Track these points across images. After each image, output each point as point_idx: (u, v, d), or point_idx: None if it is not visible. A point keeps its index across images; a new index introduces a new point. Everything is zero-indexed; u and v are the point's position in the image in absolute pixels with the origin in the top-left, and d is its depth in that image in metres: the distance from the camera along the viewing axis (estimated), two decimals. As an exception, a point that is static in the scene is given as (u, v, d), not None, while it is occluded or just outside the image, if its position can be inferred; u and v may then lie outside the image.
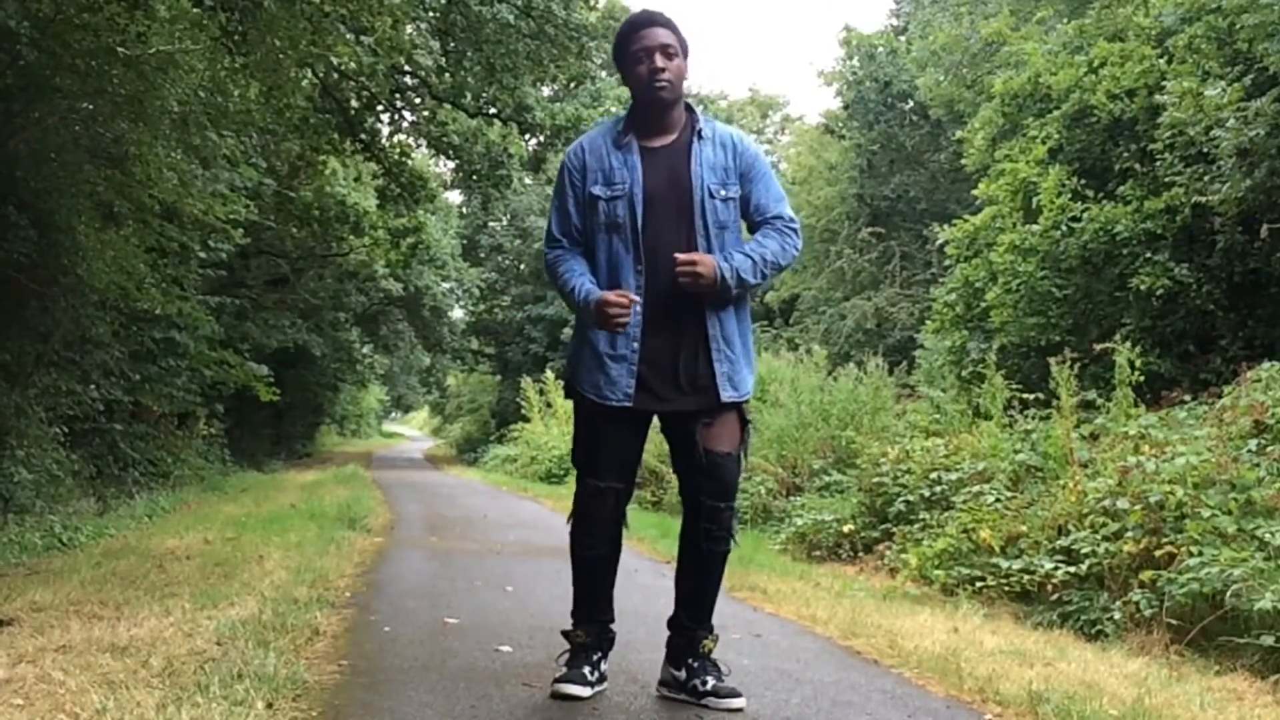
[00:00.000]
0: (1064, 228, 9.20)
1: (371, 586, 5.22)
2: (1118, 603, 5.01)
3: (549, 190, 3.22)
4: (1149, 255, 8.52)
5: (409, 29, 11.48)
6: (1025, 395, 7.78)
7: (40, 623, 4.00)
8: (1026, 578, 5.59)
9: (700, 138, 3.09)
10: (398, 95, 14.31)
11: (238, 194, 12.26)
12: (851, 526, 7.87)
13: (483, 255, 30.55)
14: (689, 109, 3.15)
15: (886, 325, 19.02)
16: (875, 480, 7.93)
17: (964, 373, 10.32)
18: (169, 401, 13.15)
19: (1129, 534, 5.17)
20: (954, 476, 7.18)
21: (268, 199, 15.53)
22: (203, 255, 12.79)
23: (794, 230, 3.12)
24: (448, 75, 13.22)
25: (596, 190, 3.05)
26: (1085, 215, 9.03)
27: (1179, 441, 5.77)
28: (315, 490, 12.62)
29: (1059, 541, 5.63)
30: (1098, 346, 7.70)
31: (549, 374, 19.41)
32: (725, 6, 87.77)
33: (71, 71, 7.36)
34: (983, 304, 10.21)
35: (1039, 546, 5.76)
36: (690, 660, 3.07)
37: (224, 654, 3.30)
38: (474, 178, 16.27)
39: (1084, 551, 5.34)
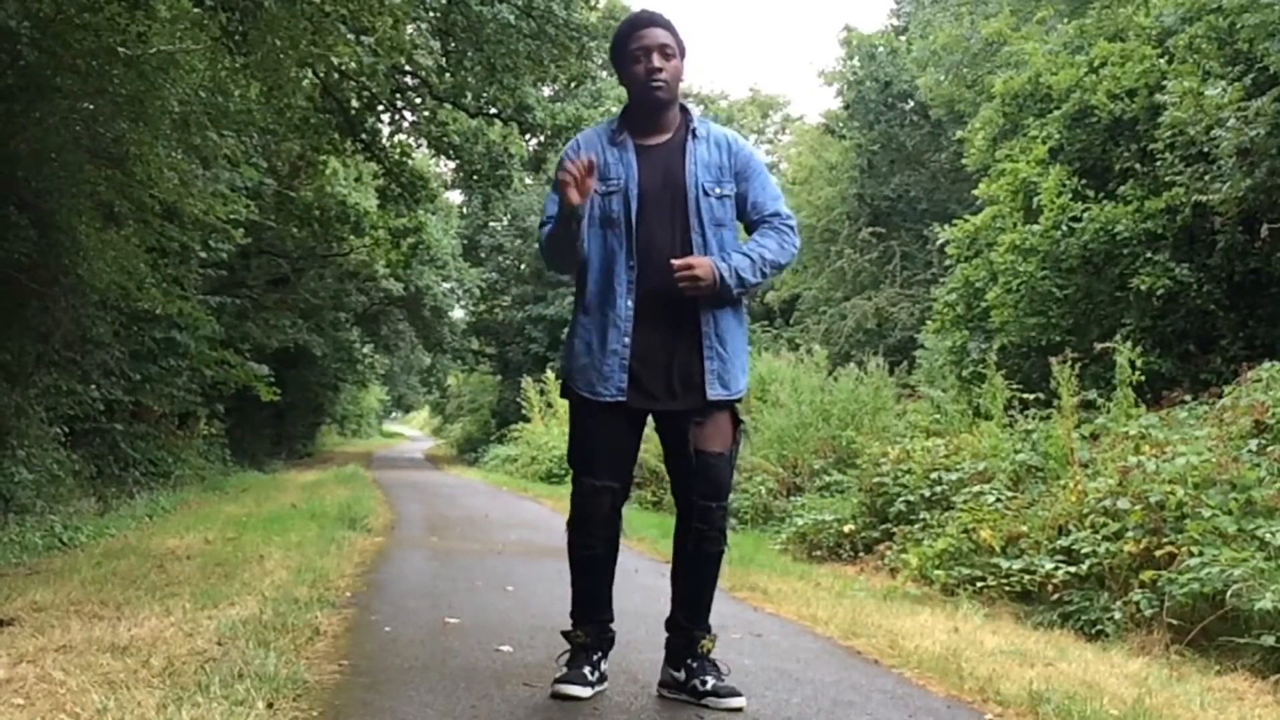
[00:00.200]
0: (1064, 228, 9.20)
1: (372, 586, 5.22)
2: (1118, 603, 5.01)
3: (549, 190, 3.21)
4: (1149, 255, 8.52)
5: (409, 29, 11.47)
6: (1025, 395, 7.78)
7: (41, 622, 4.00)
8: (1027, 578, 5.59)
9: (695, 136, 3.10)
10: (398, 95, 14.30)
11: (238, 194, 12.27)
12: (852, 526, 7.87)
13: (483, 255, 30.55)
14: (683, 109, 3.16)
15: (887, 325, 19.02)
16: (875, 480, 7.94)
17: (964, 373, 10.33)
18: (169, 401, 13.15)
19: (1129, 534, 5.18)
20: (954, 476, 7.18)
21: (268, 199, 15.53)
22: (203, 255, 12.79)
23: (791, 228, 3.13)
24: (448, 75, 13.22)
25: (592, 184, 3.06)
26: (1086, 215, 9.03)
27: (1179, 441, 5.77)
28: (316, 490, 12.62)
29: (1059, 541, 5.63)
30: (1098, 346, 7.70)
31: (549, 374, 19.40)
32: (725, 6, 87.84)
33: (72, 71, 7.35)
34: (983, 304, 10.21)
35: (1039, 546, 5.76)
36: (689, 660, 3.07)
37: (224, 654, 3.30)
38: (474, 178, 16.27)
39: (1084, 551, 5.34)
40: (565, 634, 3.14)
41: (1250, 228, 7.93)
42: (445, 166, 19.67)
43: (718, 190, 3.07)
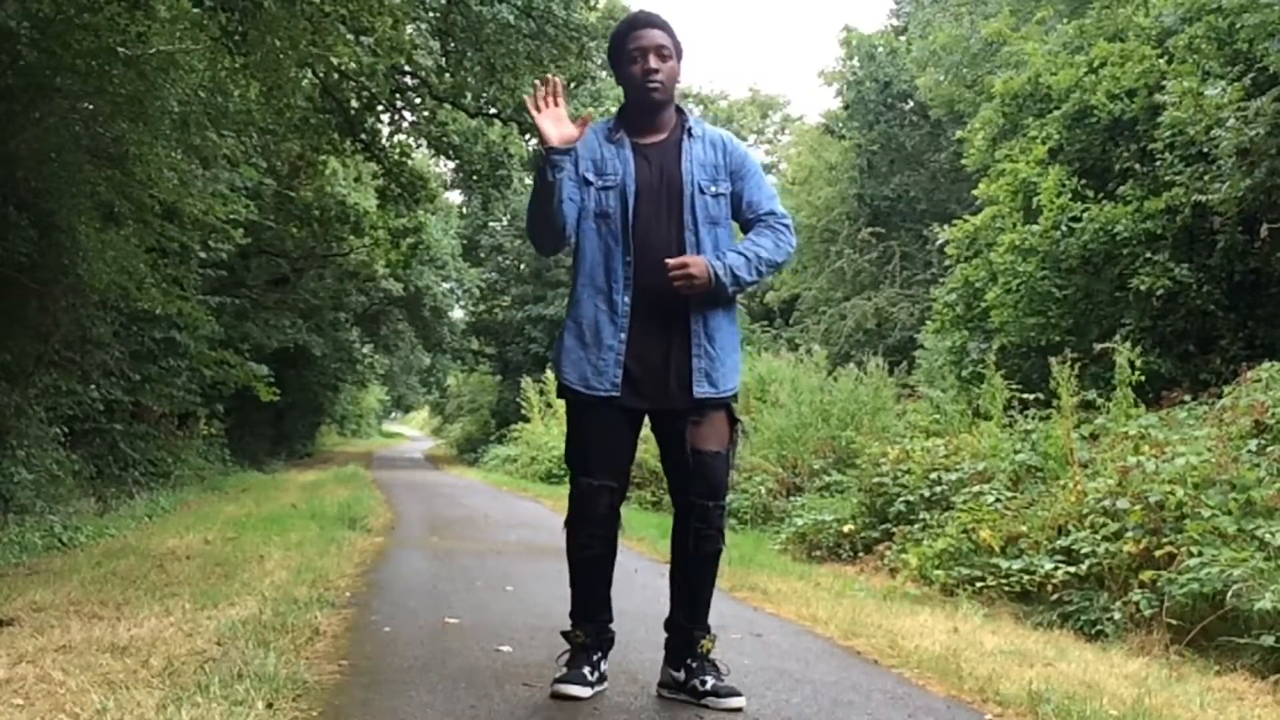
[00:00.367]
0: (1064, 228, 9.20)
1: (372, 586, 5.22)
2: (1118, 603, 5.01)
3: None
4: (1149, 255, 8.52)
5: (409, 29, 11.47)
6: (1025, 395, 7.78)
7: (40, 623, 4.00)
8: (1026, 578, 5.59)
9: (691, 135, 3.12)
10: (398, 95, 14.30)
11: (238, 194, 12.27)
12: (851, 526, 7.87)
13: (483, 255, 30.55)
14: (679, 110, 3.17)
15: (886, 325, 19.03)
16: (875, 480, 7.93)
17: (964, 373, 10.34)
18: (169, 401, 13.15)
19: (1129, 534, 5.17)
20: (954, 477, 7.18)
21: (268, 199, 15.54)
22: (203, 255, 12.80)
23: (787, 227, 3.14)
24: (448, 75, 13.22)
25: (589, 176, 3.06)
26: (1085, 215, 9.03)
27: (1179, 441, 5.77)
28: (316, 490, 12.63)
29: (1059, 541, 5.63)
30: (1098, 346, 7.71)
31: (549, 374, 19.39)
32: (725, 6, 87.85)
33: (71, 71, 7.36)
34: (983, 304, 10.21)
35: (1039, 546, 5.76)
36: (689, 660, 3.06)
37: (224, 654, 3.30)
38: (474, 178, 16.27)
39: (1084, 551, 5.34)
40: (565, 634, 3.14)
41: (1250, 228, 7.92)
42: (445, 166, 19.67)
43: (713, 188, 3.08)
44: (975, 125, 12.48)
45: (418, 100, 14.73)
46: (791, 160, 29.09)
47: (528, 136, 16.32)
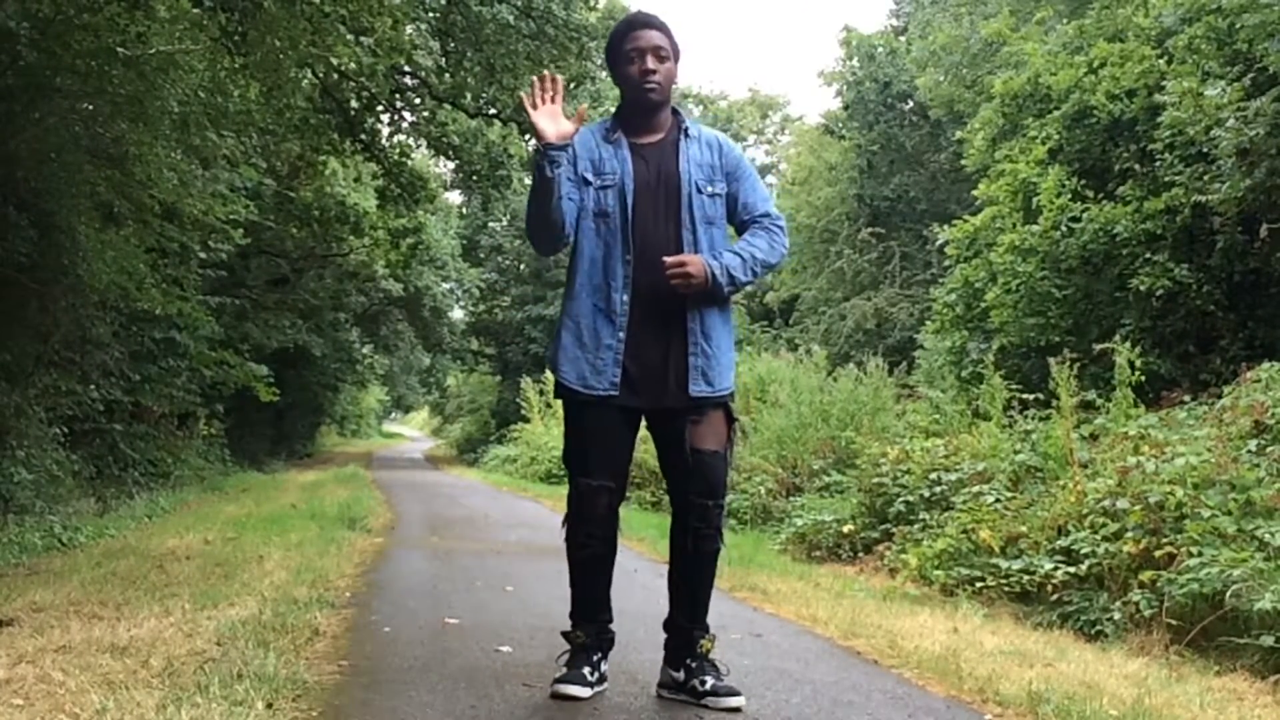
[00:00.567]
0: (1064, 228, 9.21)
1: (372, 586, 5.22)
2: (1118, 603, 5.01)
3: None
4: (1149, 255, 8.52)
5: (409, 29, 11.47)
6: (1025, 395, 7.78)
7: (40, 623, 4.00)
8: (1026, 578, 5.58)
9: (687, 136, 3.14)
10: (398, 95, 14.29)
11: (238, 194, 12.28)
12: (851, 527, 7.87)
13: (483, 255, 30.54)
14: (675, 111, 3.19)
15: (886, 325, 19.04)
16: (875, 480, 7.93)
17: (964, 373, 10.34)
18: (169, 402, 13.16)
19: (1129, 534, 5.17)
20: (954, 477, 7.18)
21: (268, 199, 15.54)
22: (203, 255, 12.80)
23: (781, 228, 3.16)
24: (448, 75, 13.22)
25: (588, 175, 3.07)
26: (1085, 215, 9.03)
27: (1179, 442, 5.77)
28: (315, 490, 12.63)
29: (1059, 542, 5.63)
30: (1098, 347, 7.71)
31: (549, 374, 19.37)
32: (725, 6, 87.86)
33: (71, 71, 7.36)
34: (983, 304, 10.21)
35: (1039, 547, 5.75)
36: (689, 661, 3.07)
37: (224, 654, 3.30)
38: (474, 178, 16.25)
39: (1084, 552, 5.34)
40: (565, 634, 3.14)
41: (1250, 228, 7.93)
42: (445, 167, 19.64)
43: (709, 188, 3.09)
44: (975, 125, 12.49)
45: (417, 100, 14.73)
46: (791, 160, 29.10)
47: (527, 137, 16.30)
